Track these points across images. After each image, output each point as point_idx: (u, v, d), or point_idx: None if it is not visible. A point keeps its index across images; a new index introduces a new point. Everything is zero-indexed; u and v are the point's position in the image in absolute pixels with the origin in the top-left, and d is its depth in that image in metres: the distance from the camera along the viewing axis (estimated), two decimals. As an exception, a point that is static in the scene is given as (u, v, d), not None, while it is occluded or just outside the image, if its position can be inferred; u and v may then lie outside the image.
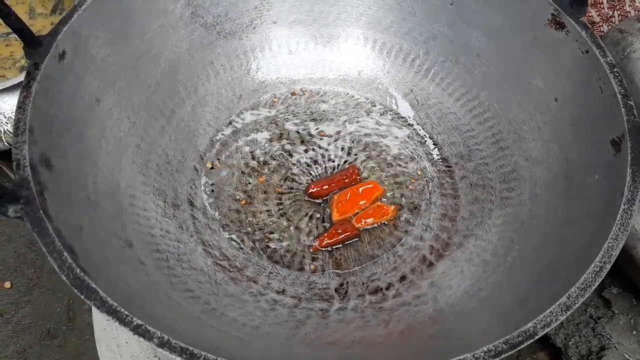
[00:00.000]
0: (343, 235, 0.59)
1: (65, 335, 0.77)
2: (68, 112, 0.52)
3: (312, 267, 0.57)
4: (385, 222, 0.61)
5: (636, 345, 0.60)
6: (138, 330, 0.39)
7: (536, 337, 0.40)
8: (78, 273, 0.41)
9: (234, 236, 0.59)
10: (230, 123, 0.68)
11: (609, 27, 0.78)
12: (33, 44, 0.50)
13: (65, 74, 0.52)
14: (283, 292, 0.55)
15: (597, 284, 0.43)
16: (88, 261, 0.43)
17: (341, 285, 0.56)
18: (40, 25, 0.92)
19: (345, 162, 0.66)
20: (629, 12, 0.78)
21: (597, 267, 0.43)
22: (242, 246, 0.58)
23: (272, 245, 0.59)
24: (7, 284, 0.81)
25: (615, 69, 0.52)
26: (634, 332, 0.61)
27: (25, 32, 0.50)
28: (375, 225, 0.60)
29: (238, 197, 0.62)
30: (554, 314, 0.41)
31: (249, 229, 0.60)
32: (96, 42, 0.56)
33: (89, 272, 0.42)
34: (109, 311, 0.39)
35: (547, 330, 0.41)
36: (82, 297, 0.40)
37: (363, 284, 0.56)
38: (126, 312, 0.39)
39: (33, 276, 0.82)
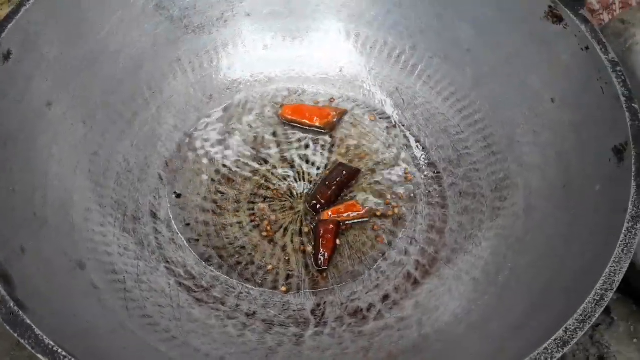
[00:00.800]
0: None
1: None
2: (14, 119, 0.48)
3: (284, 288, 0.52)
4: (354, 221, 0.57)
5: (636, 354, 0.57)
6: (77, 376, 0.35)
7: (529, 379, 0.36)
8: (12, 307, 0.37)
9: (201, 251, 0.54)
10: (199, 126, 0.63)
11: (610, 16, 0.74)
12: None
13: (10, 76, 0.48)
14: (253, 314, 0.50)
15: (597, 314, 0.39)
16: (28, 290, 0.40)
17: (318, 306, 0.52)
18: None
19: (325, 166, 0.61)
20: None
21: (597, 295, 0.39)
22: (210, 263, 0.54)
23: (243, 261, 0.54)
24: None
25: (618, 68, 0.49)
26: (635, 339, 0.57)
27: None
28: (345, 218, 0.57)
29: (207, 208, 0.57)
30: (549, 351, 0.37)
31: (219, 243, 0.55)
32: (47, 39, 0.52)
33: (27, 304, 0.38)
34: (45, 352, 0.36)
35: (541, 370, 0.36)
36: (15, 335, 0.36)
37: (342, 304, 0.52)
38: (64, 353, 0.36)
39: None
